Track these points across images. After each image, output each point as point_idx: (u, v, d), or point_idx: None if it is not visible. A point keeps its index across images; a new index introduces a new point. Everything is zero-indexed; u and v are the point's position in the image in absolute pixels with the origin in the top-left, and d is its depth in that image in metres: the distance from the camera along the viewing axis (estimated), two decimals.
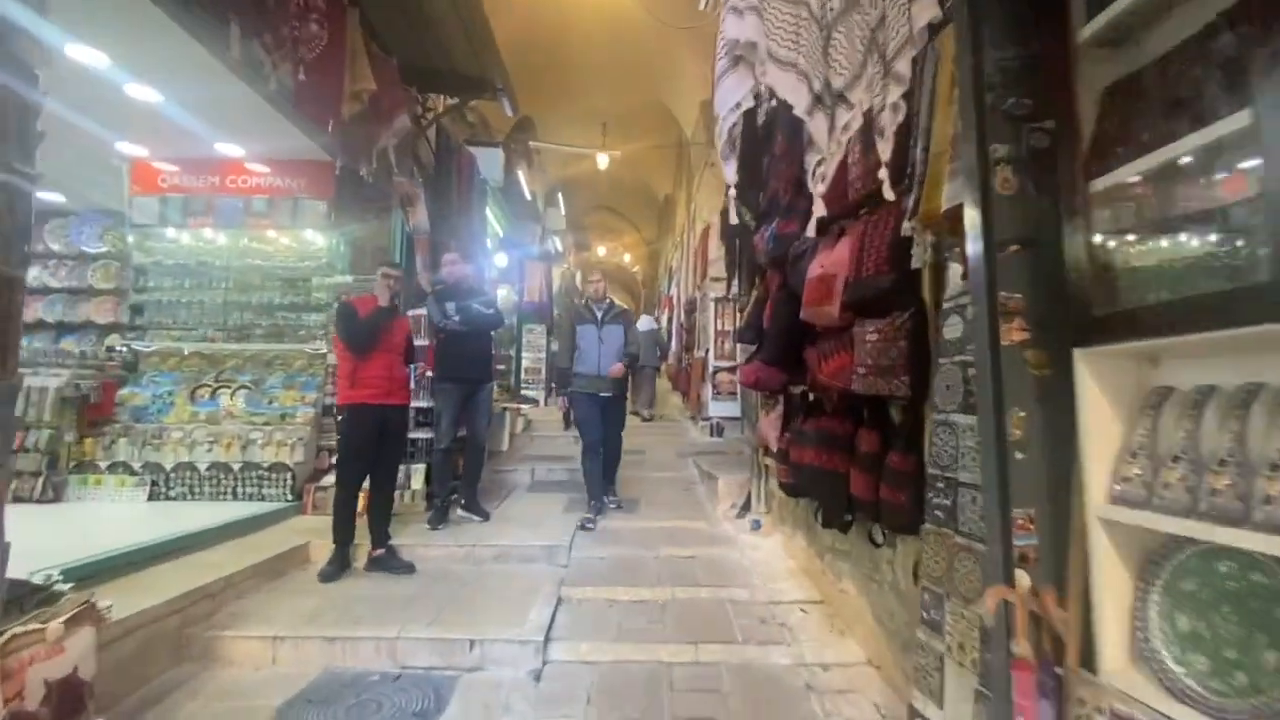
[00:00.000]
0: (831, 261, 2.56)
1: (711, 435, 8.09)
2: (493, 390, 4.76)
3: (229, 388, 4.90)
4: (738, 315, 8.21)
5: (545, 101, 11.17)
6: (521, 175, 9.42)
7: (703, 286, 9.05)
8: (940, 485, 1.86)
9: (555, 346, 12.62)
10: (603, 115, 11.75)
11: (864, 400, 2.47)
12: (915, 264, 2.01)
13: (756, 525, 4.15)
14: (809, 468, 2.80)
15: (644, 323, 11.47)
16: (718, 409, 8.18)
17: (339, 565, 3.45)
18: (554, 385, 4.90)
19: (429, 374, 4.83)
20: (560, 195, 13.63)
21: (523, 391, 10.49)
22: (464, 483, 4.40)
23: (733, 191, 2.19)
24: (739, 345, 8.13)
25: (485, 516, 4.31)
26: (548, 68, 10.30)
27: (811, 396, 3.22)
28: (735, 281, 4.63)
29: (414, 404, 4.92)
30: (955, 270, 1.88)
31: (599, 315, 4.60)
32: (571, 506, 4.84)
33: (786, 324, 3.17)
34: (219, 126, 4.38)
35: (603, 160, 11.56)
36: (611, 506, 4.58)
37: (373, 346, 3.47)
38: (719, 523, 4.40)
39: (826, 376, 2.60)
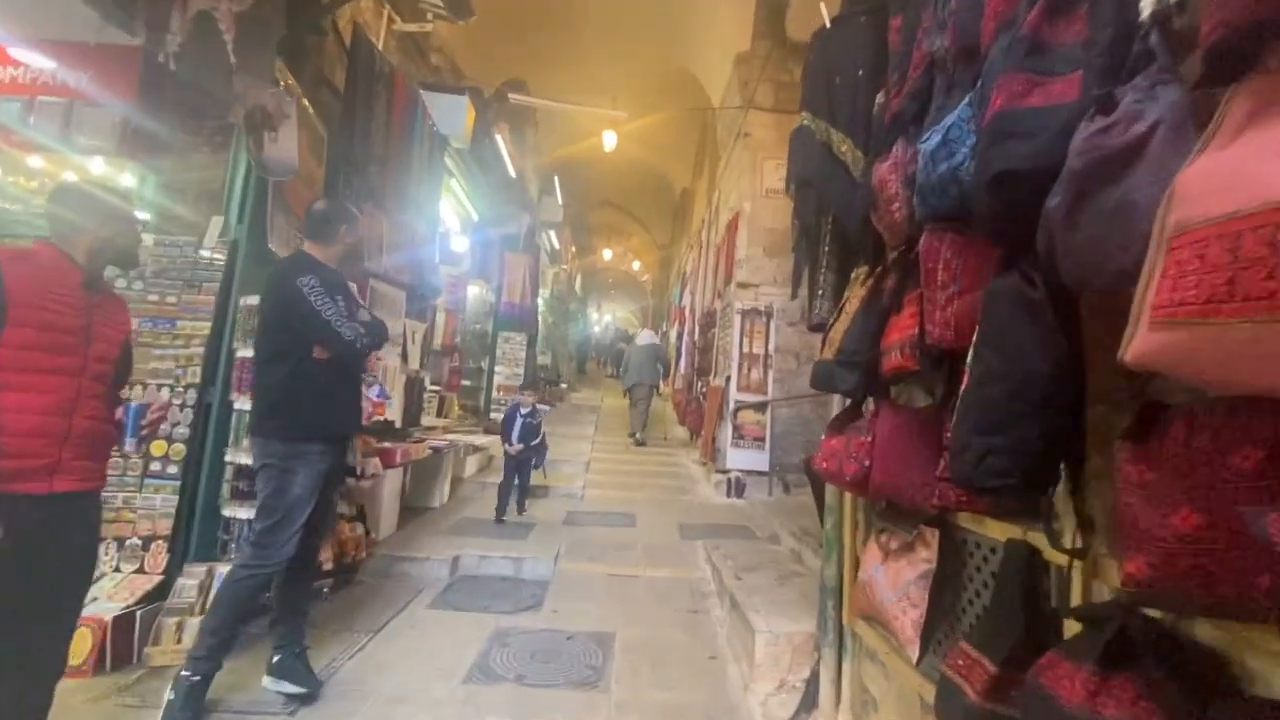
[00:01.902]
0: None
1: (729, 495, 5.98)
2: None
3: None
4: (777, 339, 6.04)
5: (539, 67, 9.21)
6: (501, 141, 7.42)
7: (726, 294, 6.99)
8: None
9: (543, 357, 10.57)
10: (612, 86, 9.78)
11: None
12: None
13: None
14: None
15: (644, 337, 10.03)
16: (738, 459, 6.06)
17: None
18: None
19: (166, 420, 2.78)
20: (557, 182, 11.66)
21: (492, 415, 8.43)
22: (284, 625, 2.31)
23: None
24: (767, 382, 5.93)
25: (309, 690, 2.20)
26: (543, 25, 8.37)
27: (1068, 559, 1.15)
28: (805, 275, 2.56)
29: (237, 460, 2.89)
30: None
31: None
32: (493, 650, 2.74)
33: (1037, 373, 1.09)
34: None
35: (610, 139, 9.57)
36: None
37: None
38: None
39: None
